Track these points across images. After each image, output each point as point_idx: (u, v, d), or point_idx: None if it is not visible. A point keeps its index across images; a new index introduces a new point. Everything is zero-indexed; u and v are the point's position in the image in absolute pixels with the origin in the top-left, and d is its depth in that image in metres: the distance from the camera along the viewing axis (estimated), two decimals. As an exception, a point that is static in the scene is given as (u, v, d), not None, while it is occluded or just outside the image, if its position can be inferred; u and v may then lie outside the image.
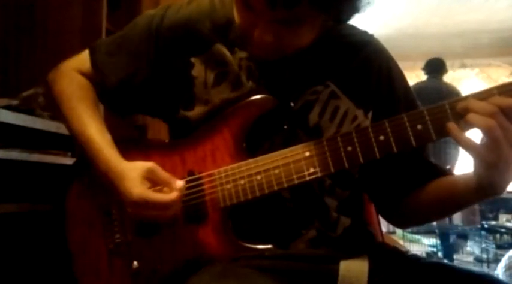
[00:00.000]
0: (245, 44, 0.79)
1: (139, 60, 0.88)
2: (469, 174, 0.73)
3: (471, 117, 0.66)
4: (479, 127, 0.66)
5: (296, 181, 0.75)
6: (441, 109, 0.69)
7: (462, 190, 0.76)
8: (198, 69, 0.86)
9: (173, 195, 0.76)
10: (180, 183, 0.77)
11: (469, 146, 0.67)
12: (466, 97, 0.68)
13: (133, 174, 0.77)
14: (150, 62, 0.88)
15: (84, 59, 0.92)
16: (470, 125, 0.67)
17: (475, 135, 0.68)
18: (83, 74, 0.92)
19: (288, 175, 0.75)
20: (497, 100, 0.66)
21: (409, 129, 0.70)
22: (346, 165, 0.73)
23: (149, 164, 0.78)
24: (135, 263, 0.82)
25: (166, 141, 0.92)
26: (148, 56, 0.88)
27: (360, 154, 0.73)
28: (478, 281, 0.77)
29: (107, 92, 0.91)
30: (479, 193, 0.73)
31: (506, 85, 0.68)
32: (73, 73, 0.91)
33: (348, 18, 0.75)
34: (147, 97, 0.91)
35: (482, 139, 0.67)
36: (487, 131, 0.65)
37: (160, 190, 0.78)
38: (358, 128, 0.77)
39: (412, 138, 0.70)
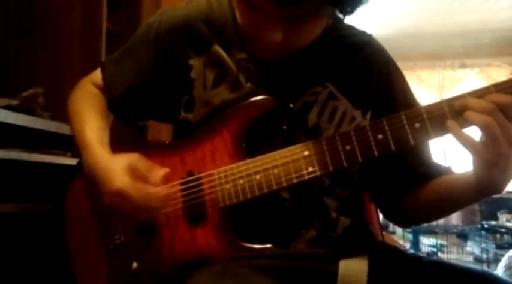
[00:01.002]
0: (248, 44, 0.79)
1: (142, 66, 0.90)
2: (468, 173, 0.73)
3: (469, 114, 0.66)
4: (477, 125, 0.66)
5: (295, 181, 0.75)
6: (439, 107, 0.69)
7: (462, 189, 0.76)
8: (197, 71, 0.86)
9: (155, 188, 0.75)
10: (160, 174, 0.77)
11: (468, 144, 0.67)
12: (464, 95, 0.68)
13: (116, 166, 0.76)
14: (151, 66, 0.89)
15: (99, 72, 0.96)
16: (468, 123, 0.67)
17: (474, 133, 0.68)
18: (96, 86, 0.96)
19: (287, 175, 0.75)
20: (494, 97, 0.66)
21: (406, 127, 0.70)
22: (345, 163, 0.73)
23: (133, 156, 0.78)
24: (135, 263, 0.82)
25: (167, 141, 0.92)
26: (149, 61, 0.89)
27: (358, 153, 0.73)
28: (478, 279, 0.77)
29: (115, 100, 0.93)
30: (479, 191, 0.73)
31: (504, 82, 0.68)
32: (87, 84, 0.96)
33: (353, 11, 0.74)
34: (152, 102, 0.92)
35: (481, 137, 0.67)
36: (485, 129, 0.65)
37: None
38: (356, 127, 0.77)
39: (410, 136, 0.70)
